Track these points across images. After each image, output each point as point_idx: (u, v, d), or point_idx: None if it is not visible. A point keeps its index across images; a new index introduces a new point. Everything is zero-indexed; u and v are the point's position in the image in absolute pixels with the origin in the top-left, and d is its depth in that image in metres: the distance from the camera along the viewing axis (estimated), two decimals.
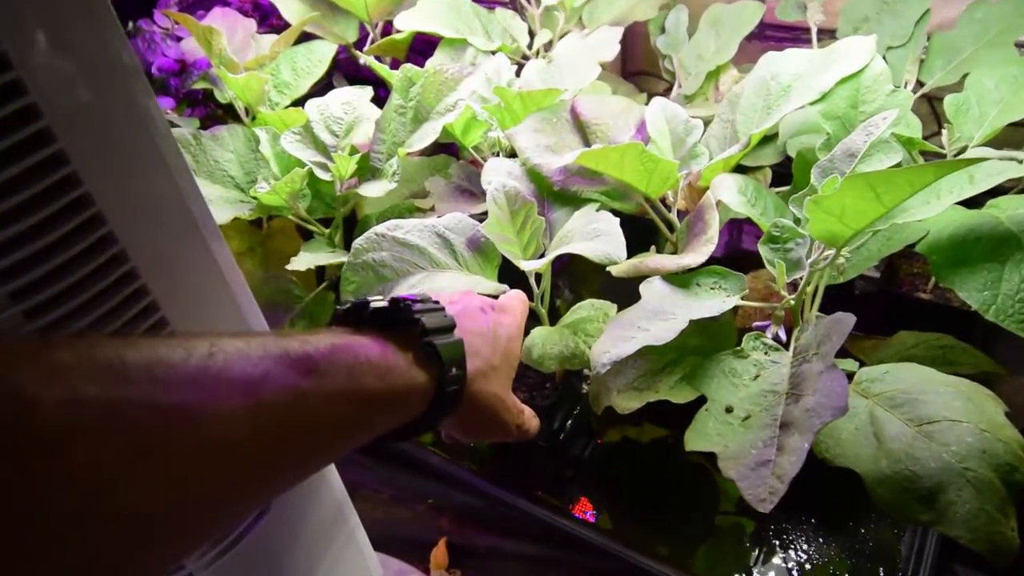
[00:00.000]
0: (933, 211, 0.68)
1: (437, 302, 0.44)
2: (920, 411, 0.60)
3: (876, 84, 0.73)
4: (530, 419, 0.53)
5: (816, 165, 0.64)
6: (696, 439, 0.60)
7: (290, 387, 0.30)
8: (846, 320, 0.58)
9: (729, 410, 0.60)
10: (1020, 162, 0.72)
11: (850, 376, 0.71)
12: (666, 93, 1.13)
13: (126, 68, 0.37)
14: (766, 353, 0.66)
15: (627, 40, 1.41)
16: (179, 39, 1.23)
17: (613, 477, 0.93)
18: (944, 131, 0.85)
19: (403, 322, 0.41)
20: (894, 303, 0.99)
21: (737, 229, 1.14)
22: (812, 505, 0.86)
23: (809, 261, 0.65)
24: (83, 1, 0.35)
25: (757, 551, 0.82)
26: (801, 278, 0.67)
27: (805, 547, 0.83)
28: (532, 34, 1.20)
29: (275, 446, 0.30)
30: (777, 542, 0.83)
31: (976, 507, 0.53)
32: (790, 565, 0.80)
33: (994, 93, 0.84)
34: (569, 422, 0.96)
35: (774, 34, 1.25)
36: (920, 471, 0.55)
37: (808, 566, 0.81)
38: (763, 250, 0.68)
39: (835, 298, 0.94)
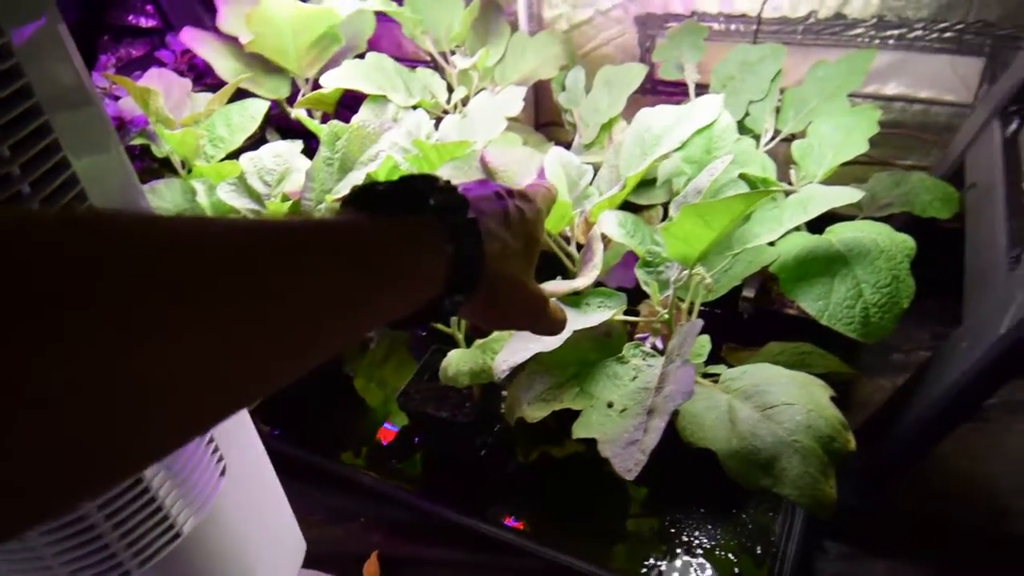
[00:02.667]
0: (776, 234, 0.83)
1: (449, 182, 0.41)
2: (765, 399, 0.74)
3: (724, 134, 0.89)
4: (556, 310, 0.50)
5: (673, 200, 0.77)
6: (581, 429, 0.71)
7: (275, 257, 0.28)
8: (695, 325, 0.71)
9: (610, 405, 0.72)
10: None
11: (718, 377, 0.84)
12: (571, 142, 1.27)
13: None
14: (644, 359, 0.79)
15: (540, 95, 1.57)
16: (117, 98, 1.31)
17: (535, 487, 1.04)
18: (792, 171, 1.01)
19: (412, 201, 0.39)
20: (770, 320, 1.14)
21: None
22: (702, 499, 0.98)
23: (673, 280, 0.79)
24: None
25: (661, 542, 0.94)
26: (669, 295, 0.80)
27: (698, 534, 0.95)
28: (450, 90, 1.34)
29: (264, 308, 0.27)
30: (675, 531, 0.95)
31: (802, 471, 0.66)
32: (689, 549, 0.92)
33: (831, 138, 1.00)
34: (490, 439, 1.06)
35: (665, 89, 1.42)
36: (760, 445, 0.68)
37: (700, 549, 0.93)
38: (639, 273, 0.82)
39: (722, 318, 1.09)
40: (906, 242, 0.86)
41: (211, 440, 0.56)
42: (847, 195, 0.81)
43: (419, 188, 0.39)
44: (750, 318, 1.14)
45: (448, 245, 0.38)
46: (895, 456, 0.83)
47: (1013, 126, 1.04)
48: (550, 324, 0.49)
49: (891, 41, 1.28)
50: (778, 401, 0.72)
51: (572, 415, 0.80)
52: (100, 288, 0.22)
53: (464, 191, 0.43)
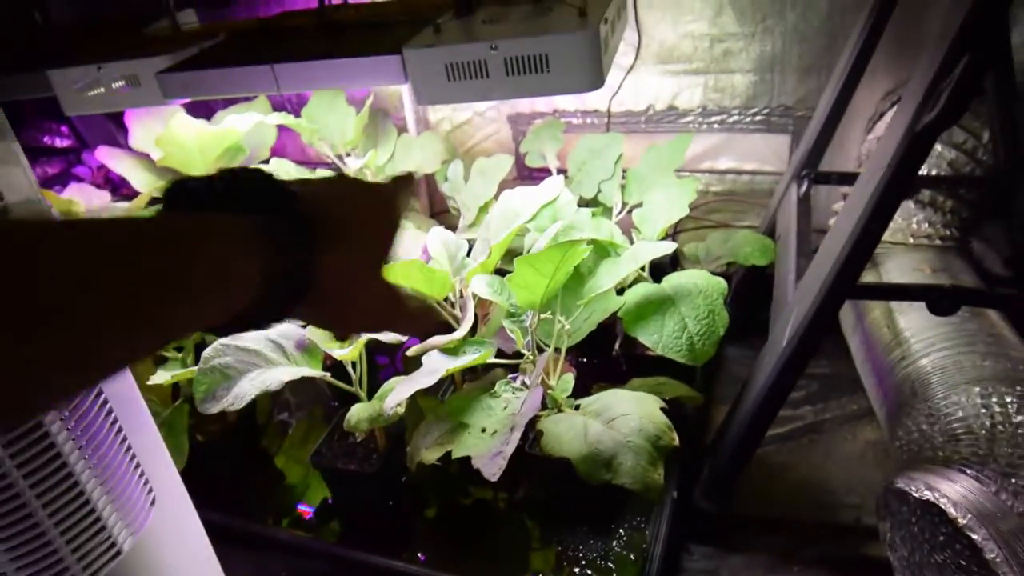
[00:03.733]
0: (616, 280, 1.02)
1: (272, 176, 0.38)
2: (610, 413, 0.90)
3: (566, 206, 1.09)
4: (423, 309, 0.47)
5: (519, 259, 0.95)
6: (459, 450, 0.86)
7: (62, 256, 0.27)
8: (543, 358, 0.88)
9: (484, 430, 0.87)
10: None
11: (579, 407, 1.01)
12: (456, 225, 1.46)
13: None
14: (513, 392, 0.95)
15: (432, 188, 1.77)
16: None
17: (442, 528, 1.15)
18: (633, 233, 1.22)
19: (230, 199, 0.36)
20: (636, 361, 1.32)
21: None
22: (585, 522, 1.12)
23: (528, 325, 0.96)
24: None
25: (554, 559, 1.07)
26: (530, 340, 0.97)
27: (583, 548, 1.08)
28: None
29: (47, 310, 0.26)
30: (562, 548, 1.09)
31: (635, 463, 0.82)
32: (575, 562, 1.05)
33: (662, 205, 1.22)
34: (398, 489, 1.18)
35: (535, 175, 1.64)
36: (603, 448, 0.84)
37: (585, 561, 1.06)
38: (505, 323, 0.99)
39: (596, 364, 1.27)
40: (720, 283, 1.07)
41: (140, 470, 0.68)
42: (664, 247, 1.02)
43: (240, 183, 0.37)
44: (619, 360, 1.32)
45: (267, 244, 0.35)
46: (728, 459, 1.01)
47: (804, 186, 1.29)
48: (413, 323, 0.46)
49: (716, 125, 1.55)
50: (619, 414, 0.89)
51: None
52: None
53: (302, 186, 0.40)
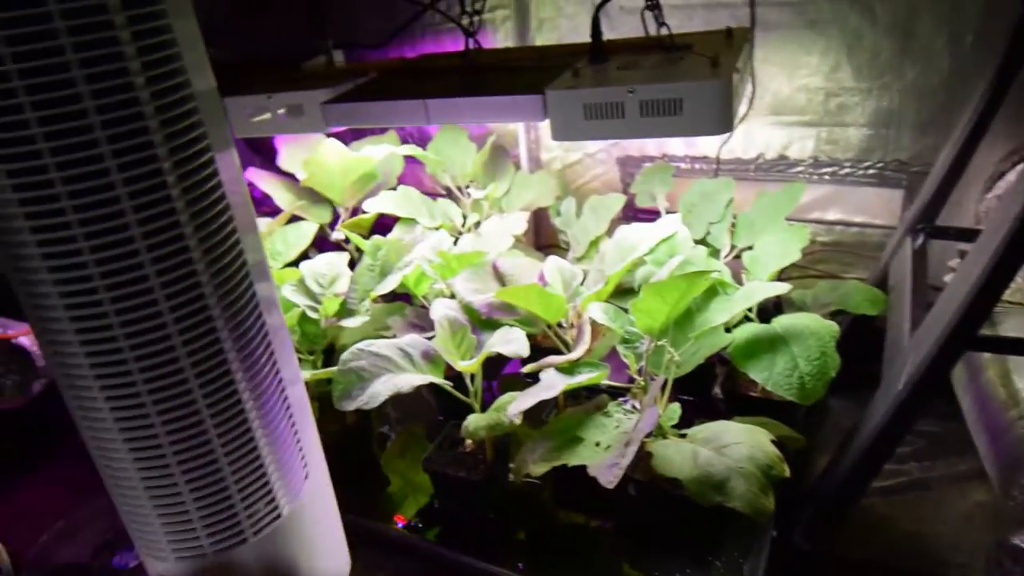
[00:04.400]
0: (727, 316, 1.06)
1: None
2: (720, 442, 0.94)
3: (683, 242, 1.14)
4: None
5: (646, 286, 1.01)
6: (574, 459, 0.91)
7: None
8: (659, 382, 0.93)
9: (597, 444, 0.92)
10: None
11: (686, 435, 1.04)
12: (564, 257, 1.53)
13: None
14: (624, 414, 1.00)
15: (539, 224, 1.86)
16: None
17: (539, 542, 1.20)
18: (743, 275, 1.26)
19: None
20: (737, 401, 1.34)
21: None
22: (683, 552, 1.14)
23: (644, 351, 1.01)
24: None
25: None
26: (643, 366, 1.02)
27: None
28: (465, 217, 1.61)
29: None
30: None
31: (746, 489, 0.85)
32: None
33: (772, 250, 1.26)
34: (502, 498, 1.24)
35: (641, 216, 1.70)
36: (714, 472, 0.87)
37: None
38: (619, 349, 1.04)
39: (696, 403, 1.30)
40: (832, 327, 1.09)
41: (300, 445, 0.76)
42: (778, 288, 1.05)
43: None
44: (720, 401, 1.35)
45: None
46: (832, 502, 1.02)
47: (920, 240, 1.30)
48: None
49: (826, 177, 1.57)
50: (729, 442, 0.92)
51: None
52: None
53: None
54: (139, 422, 0.64)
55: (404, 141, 1.76)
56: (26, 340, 1.52)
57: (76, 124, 0.55)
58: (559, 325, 1.21)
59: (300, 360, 1.29)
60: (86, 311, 0.60)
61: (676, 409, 1.08)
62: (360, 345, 1.09)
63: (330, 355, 1.29)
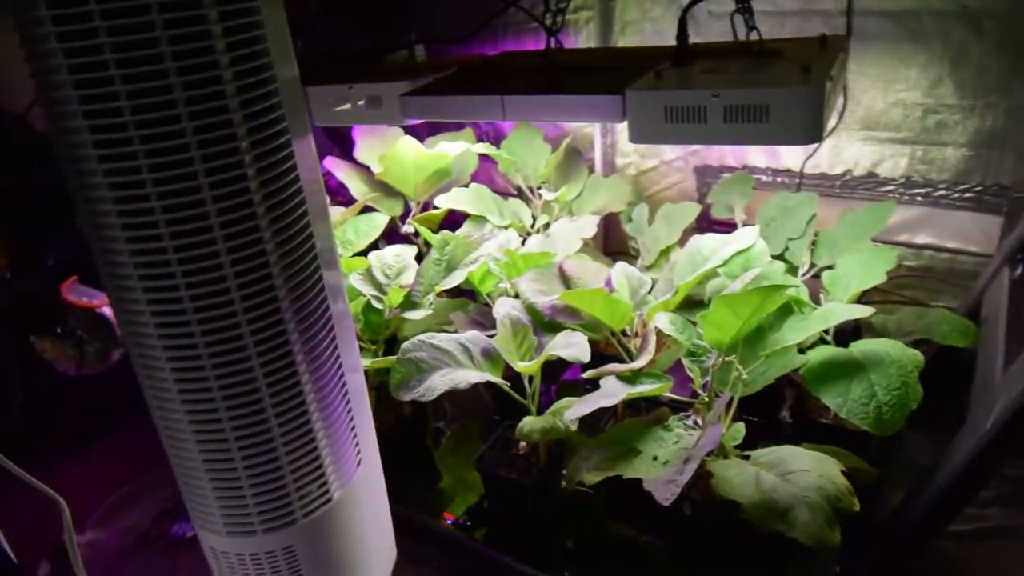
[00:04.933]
0: (802, 337, 1.01)
1: None
2: (785, 467, 0.89)
3: (760, 255, 1.10)
4: None
5: (717, 298, 0.97)
6: (630, 472, 0.88)
7: None
8: (725, 398, 0.89)
9: (655, 458, 0.89)
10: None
11: (749, 457, 1.00)
12: (633, 264, 1.50)
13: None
14: (685, 429, 0.96)
15: (609, 230, 1.83)
16: None
17: (589, 554, 1.17)
18: (822, 295, 1.20)
19: None
20: (806, 427, 1.28)
21: None
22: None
23: (711, 366, 0.97)
24: None
25: None
26: (708, 381, 0.98)
27: None
28: (535, 218, 1.60)
29: None
30: None
31: (811, 519, 0.80)
32: None
33: (856, 271, 1.20)
34: (553, 504, 1.21)
35: (716, 228, 1.65)
36: (778, 498, 0.83)
37: None
38: (685, 362, 1.00)
39: (762, 425, 1.25)
40: (916, 356, 1.03)
41: (354, 431, 0.76)
42: (860, 310, 1.00)
43: None
44: (787, 425, 1.29)
45: None
46: (905, 541, 0.95)
47: (1019, 270, 1.21)
48: None
49: (918, 198, 1.49)
50: (795, 469, 0.88)
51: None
52: None
53: None
54: (201, 395, 0.65)
55: (479, 140, 1.76)
56: (108, 310, 1.59)
57: (162, 99, 0.57)
58: (623, 333, 1.18)
59: (361, 348, 1.31)
60: (159, 283, 0.61)
61: (740, 429, 1.04)
62: (421, 337, 1.08)
63: (391, 346, 1.30)
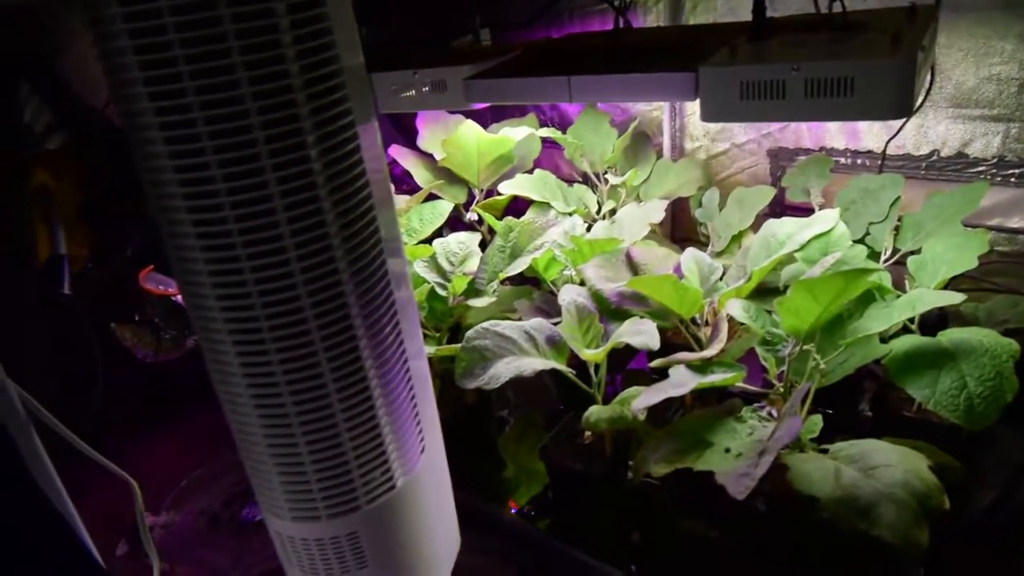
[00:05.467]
0: (885, 326, 0.95)
1: None
2: (867, 462, 0.84)
3: (840, 239, 1.04)
4: None
5: (796, 282, 0.92)
6: (701, 464, 0.85)
7: None
8: (804, 388, 0.84)
9: (728, 450, 0.86)
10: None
11: (828, 450, 0.95)
12: (703, 251, 1.45)
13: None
14: (760, 421, 0.92)
15: (677, 215, 1.78)
16: None
17: (655, 548, 1.14)
18: (907, 282, 1.13)
19: None
20: (887, 421, 1.22)
21: None
22: None
23: (787, 355, 0.92)
24: None
25: None
26: (784, 371, 0.94)
27: None
28: (600, 204, 1.57)
29: None
30: None
31: (896, 517, 0.75)
32: None
33: (944, 255, 1.12)
34: (619, 496, 1.19)
35: (790, 213, 1.58)
36: (859, 495, 0.78)
37: None
38: (759, 350, 0.96)
39: (839, 418, 1.19)
40: (1011, 345, 0.96)
41: (418, 418, 0.76)
42: (950, 297, 0.93)
43: None
44: (867, 419, 1.23)
45: None
46: (994, 542, 0.89)
47: None
48: None
49: (1012, 179, 1.39)
50: (879, 464, 0.83)
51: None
52: None
53: None
54: (266, 380, 0.65)
55: (543, 125, 1.74)
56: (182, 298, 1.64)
57: (229, 94, 0.57)
58: (693, 321, 1.14)
59: (426, 336, 1.30)
60: (225, 267, 0.61)
61: (817, 421, 0.99)
62: (486, 324, 1.07)
63: (456, 333, 1.29)
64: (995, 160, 1.39)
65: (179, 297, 1.63)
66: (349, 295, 0.65)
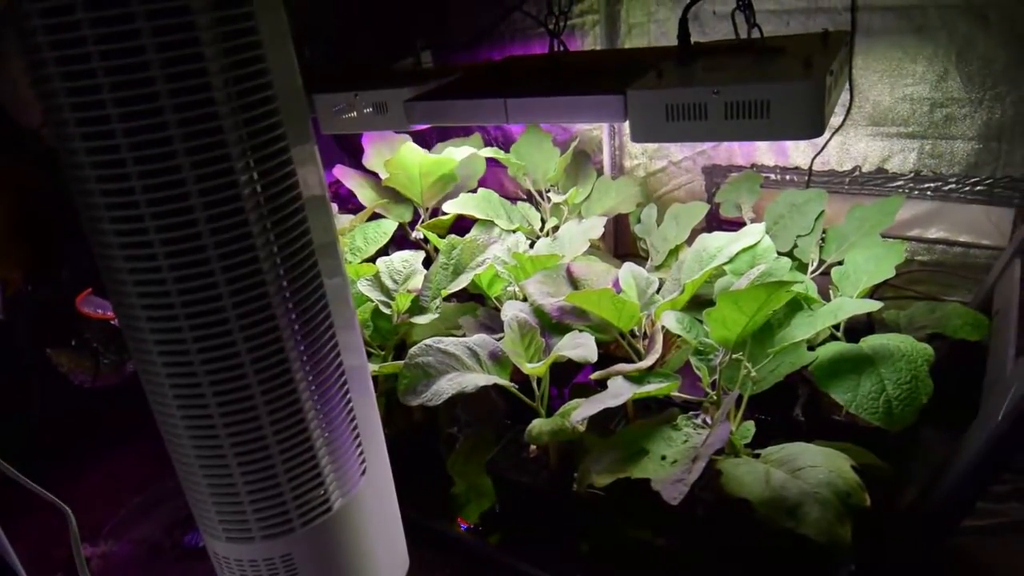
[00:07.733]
0: (810, 333, 1.00)
1: None
2: (795, 464, 0.89)
3: (765, 252, 1.09)
4: None
5: (722, 294, 0.96)
6: (638, 472, 0.88)
7: None
8: (733, 396, 0.88)
9: (663, 458, 0.89)
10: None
11: (760, 455, 0.99)
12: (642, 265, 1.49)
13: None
14: (694, 428, 0.96)
15: (619, 232, 1.83)
16: None
17: (602, 556, 1.17)
18: (831, 291, 1.19)
19: None
20: (819, 424, 1.27)
21: None
22: None
23: (718, 363, 0.96)
24: None
25: None
26: (716, 380, 0.98)
27: None
28: (543, 221, 1.60)
29: None
30: None
31: (821, 515, 0.79)
32: None
33: (864, 266, 1.19)
34: (565, 507, 1.21)
35: (724, 227, 1.64)
36: (787, 495, 0.82)
37: None
38: (692, 360, 1.00)
39: (774, 423, 1.23)
40: (926, 350, 1.02)
41: (358, 440, 0.76)
42: (869, 305, 0.99)
43: None
44: (797, 423, 1.28)
45: None
46: (921, 538, 0.94)
47: None
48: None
49: (928, 192, 1.47)
50: (805, 465, 0.87)
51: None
52: None
53: None
54: (196, 400, 0.66)
55: (488, 144, 1.77)
56: None
57: (152, 121, 0.58)
58: (632, 334, 1.17)
59: (371, 355, 1.31)
60: (152, 288, 0.62)
61: (750, 427, 1.03)
62: (429, 341, 1.09)
63: (401, 351, 1.30)
64: (912, 175, 1.48)
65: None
66: (281, 315, 0.66)
